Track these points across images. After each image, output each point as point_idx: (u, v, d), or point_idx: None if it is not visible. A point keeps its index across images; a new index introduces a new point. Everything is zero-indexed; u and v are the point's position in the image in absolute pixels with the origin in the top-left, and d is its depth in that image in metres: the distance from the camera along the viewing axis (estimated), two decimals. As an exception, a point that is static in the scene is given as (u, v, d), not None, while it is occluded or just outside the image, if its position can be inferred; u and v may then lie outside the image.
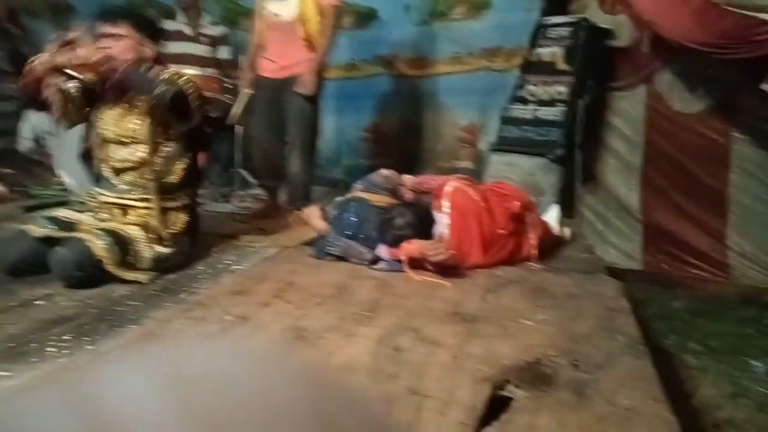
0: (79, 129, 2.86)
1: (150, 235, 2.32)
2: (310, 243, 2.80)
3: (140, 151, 2.38)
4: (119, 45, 2.31)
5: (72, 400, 0.25)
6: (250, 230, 3.16)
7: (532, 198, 3.01)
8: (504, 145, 4.15)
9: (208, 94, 3.92)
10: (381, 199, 2.70)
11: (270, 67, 3.44)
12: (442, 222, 2.55)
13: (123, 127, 2.38)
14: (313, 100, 3.39)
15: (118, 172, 2.42)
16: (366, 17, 5.14)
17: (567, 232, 3.17)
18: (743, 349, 2.82)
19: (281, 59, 3.39)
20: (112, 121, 2.40)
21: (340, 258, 2.56)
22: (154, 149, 2.39)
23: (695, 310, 3.25)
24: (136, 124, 2.37)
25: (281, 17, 3.36)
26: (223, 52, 4.55)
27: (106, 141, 2.42)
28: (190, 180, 2.56)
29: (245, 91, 3.60)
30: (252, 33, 3.59)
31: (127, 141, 2.39)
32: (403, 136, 5.17)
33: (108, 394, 0.25)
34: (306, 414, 0.26)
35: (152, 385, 0.25)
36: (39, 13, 5.54)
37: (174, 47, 4.47)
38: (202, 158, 3.80)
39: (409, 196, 2.84)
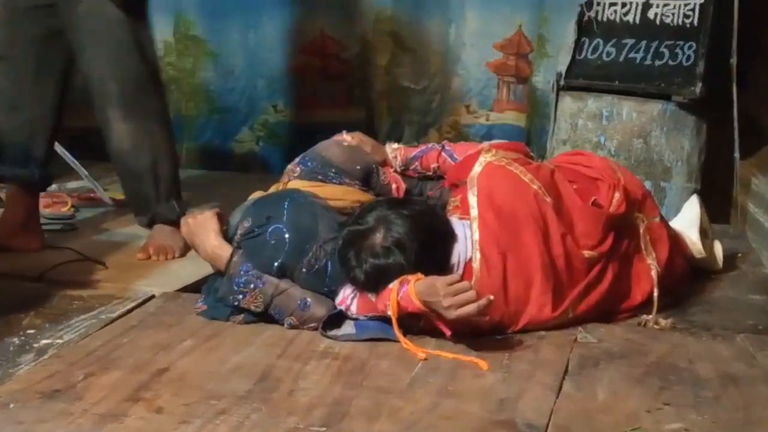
0: None
1: None
2: (198, 288, 2.85)
3: None
4: None
5: None
6: (74, 263, 3.23)
7: (646, 184, 3.03)
8: (585, 79, 4.13)
9: None
10: (341, 194, 2.71)
11: None
12: (468, 236, 2.54)
13: None
14: (134, 4, 3.38)
15: None
16: None
17: (719, 250, 3.22)
18: None
19: None
20: None
21: (262, 315, 2.57)
22: None
23: None
24: None
25: None
26: None
27: None
28: None
29: None
30: None
31: None
32: (379, 63, 5.19)
33: None
34: None
35: None
36: None
37: None
38: None
39: (399, 185, 2.87)
